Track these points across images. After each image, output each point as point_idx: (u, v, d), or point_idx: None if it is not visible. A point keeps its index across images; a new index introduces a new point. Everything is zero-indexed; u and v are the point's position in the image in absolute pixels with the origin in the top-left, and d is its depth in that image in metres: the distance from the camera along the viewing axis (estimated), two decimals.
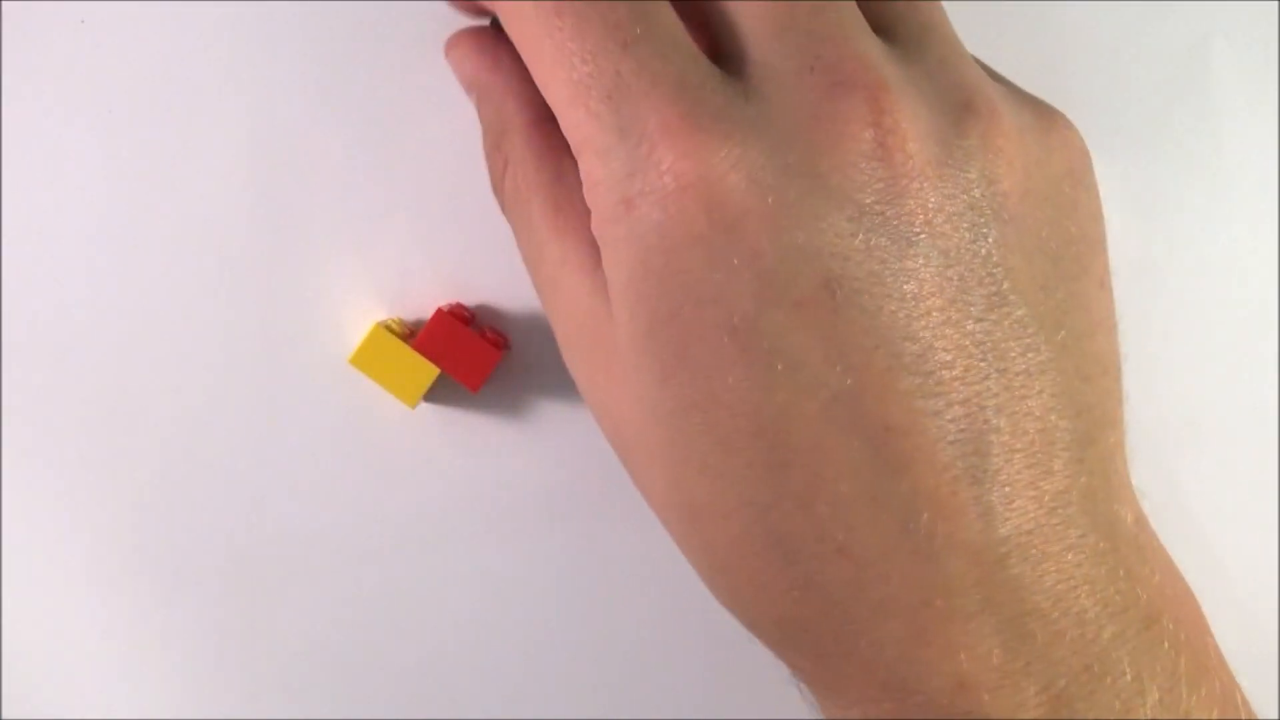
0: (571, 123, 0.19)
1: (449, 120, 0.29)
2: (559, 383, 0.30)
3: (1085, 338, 0.20)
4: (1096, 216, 0.22)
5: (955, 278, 0.18)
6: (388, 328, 0.28)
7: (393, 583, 0.31)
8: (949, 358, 0.18)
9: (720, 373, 0.18)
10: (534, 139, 0.23)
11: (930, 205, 0.18)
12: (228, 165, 0.29)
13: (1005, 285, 0.19)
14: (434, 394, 0.30)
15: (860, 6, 0.20)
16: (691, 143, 0.18)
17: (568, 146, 0.22)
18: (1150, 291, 0.30)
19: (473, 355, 0.28)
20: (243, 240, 0.30)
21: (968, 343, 0.18)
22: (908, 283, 0.18)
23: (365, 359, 0.28)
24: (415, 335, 0.28)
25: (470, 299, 0.30)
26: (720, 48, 0.20)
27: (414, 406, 0.28)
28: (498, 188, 0.24)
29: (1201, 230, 0.30)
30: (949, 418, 0.18)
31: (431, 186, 0.30)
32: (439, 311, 0.28)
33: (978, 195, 0.19)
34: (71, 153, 0.29)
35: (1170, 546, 0.23)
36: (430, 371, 0.28)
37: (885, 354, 0.18)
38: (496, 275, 0.30)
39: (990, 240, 0.19)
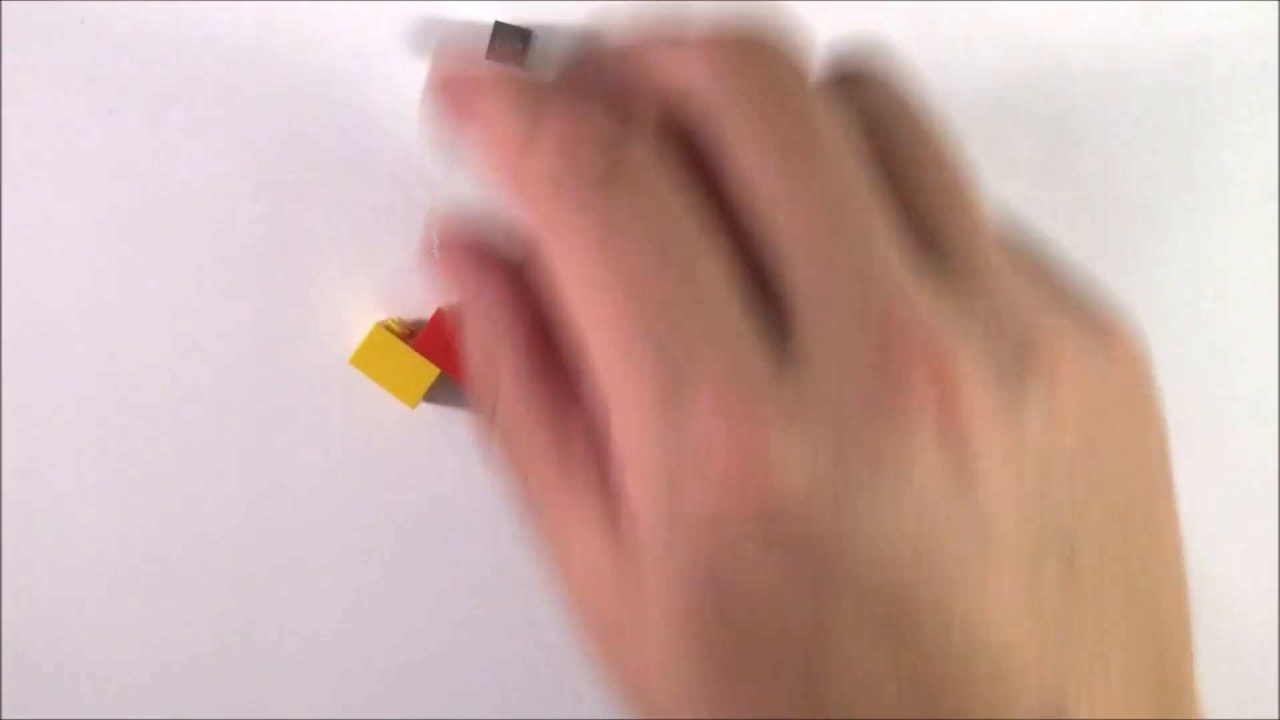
0: (608, 369, 0.17)
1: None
2: None
3: (1159, 581, 0.19)
4: (1161, 432, 0.20)
5: (1028, 557, 0.17)
6: (388, 328, 0.28)
7: (393, 583, 0.31)
8: (1025, 640, 0.17)
9: (774, 671, 0.16)
10: (532, 369, 0.20)
11: (1000, 487, 0.17)
12: (228, 165, 0.29)
13: (1080, 555, 0.18)
14: (434, 394, 0.30)
15: (902, 204, 0.19)
16: (748, 434, 0.16)
17: (563, 390, 0.20)
18: (1149, 291, 0.30)
19: None
20: (242, 240, 0.30)
21: (1044, 624, 0.17)
22: (981, 572, 0.17)
23: (365, 359, 0.28)
24: (415, 335, 0.28)
25: None
26: (762, 280, 0.18)
27: (414, 406, 0.28)
28: (485, 412, 0.21)
29: (1201, 230, 0.30)
30: (1027, 706, 0.17)
31: (432, 186, 0.30)
32: (439, 311, 0.28)
33: (1046, 461, 0.17)
34: (71, 153, 0.29)
35: None
36: (430, 371, 0.28)
37: (959, 646, 0.16)
38: None
39: (1063, 510, 0.17)
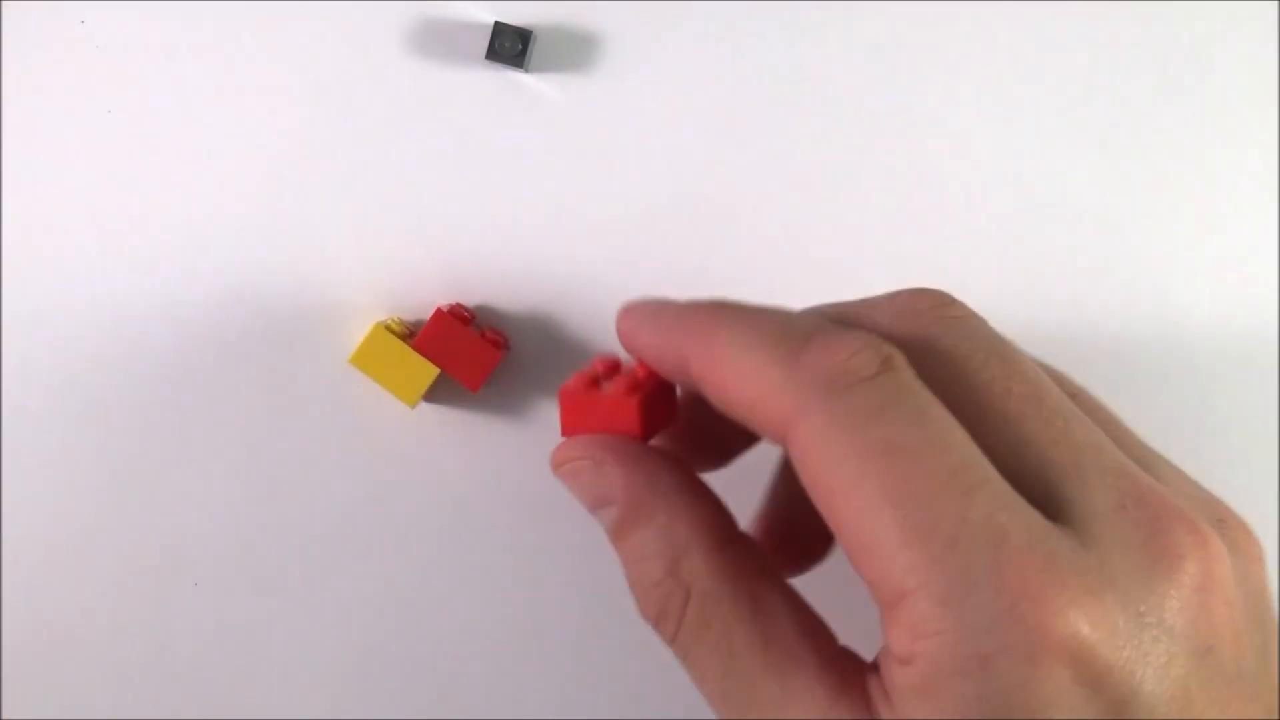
0: (902, 565, 0.18)
1: (449, 121, 0.30)
2: (559, 383, 0.30)
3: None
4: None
5: (1260, 707, 0.19)
6: (388, 328, 0.28)
7: (393, 582, 0.31)
8: None
9: None
10: (723, 566, 0.22)
11: (1238, 632, 0.19)
12: (228, 165, 0.29)
13: (1272, 697, 0.20)
14: (434, 394, 0.30)
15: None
16: (1057, 600, 0.18)
17: (757, 572, 0.22)
18: (1150, 291, 0.30)
19: (473, 355, 0.28)
20: (243, 240, 0.30)
21: None
22: (1221, 702, 0.19)
23: (365, 359, 0.28)
24: (415, 335, 0.29)
25: (470, 299, 0.30)
26: (1022, 485, 0.20)
27: (414, 406, 0.28)
28: (672, 619, 0.22)
29: (1202, 230, 0.30)
30: None
31: (431, 186, 0.30)
32: (439, 311, 0.28)
33: (1253, 611, 0.20)
34: (71, 153, 0.29)
35: None
36: (430, 371, 0.28)
37: None
38: (496, 275, 0.30)
39: (1269, 656, 0.20)
